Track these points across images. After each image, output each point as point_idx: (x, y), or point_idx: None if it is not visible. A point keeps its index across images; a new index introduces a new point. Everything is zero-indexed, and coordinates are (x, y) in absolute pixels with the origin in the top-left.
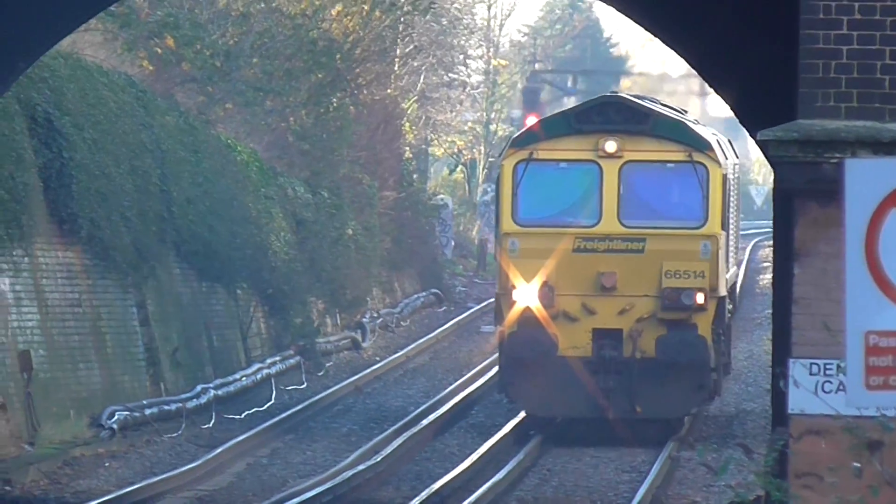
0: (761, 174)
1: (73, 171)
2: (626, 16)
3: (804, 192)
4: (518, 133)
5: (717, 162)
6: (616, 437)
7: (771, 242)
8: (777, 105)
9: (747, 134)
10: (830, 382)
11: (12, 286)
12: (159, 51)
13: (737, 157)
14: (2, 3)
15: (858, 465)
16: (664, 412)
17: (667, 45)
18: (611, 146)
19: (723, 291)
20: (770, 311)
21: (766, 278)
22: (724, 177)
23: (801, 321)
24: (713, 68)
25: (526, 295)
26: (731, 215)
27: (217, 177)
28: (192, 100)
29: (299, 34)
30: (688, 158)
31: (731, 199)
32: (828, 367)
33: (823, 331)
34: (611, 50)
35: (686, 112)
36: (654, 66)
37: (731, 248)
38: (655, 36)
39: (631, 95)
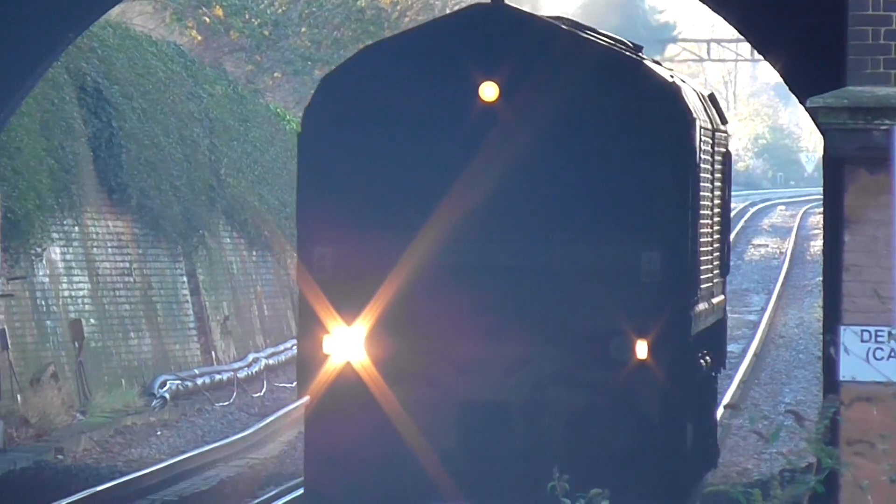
0: (812, 141)
1: (122, 141)
2: None
3: (854, 159)
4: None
5: (678, 119)
6: None
7: (821, 210)
8: (826, 71)
9: (797, 101)
10: (882, 349)
11: (63, 256)
12: (207, 20)
13: (723, 120)
14: None
15: None
16: None
17: (712, 9)
18: (489, 91)
19: (677, 336)
20: (820, 278)
21: (817, 245)
22: (690, 143)
23: (851, 288)
24: (761, 33)
25: (343, 343)
26: (709, 205)
27: (266, 146)
28: (241, 69)
29: (347, 3)
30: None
31: (710, 180)
32: (879, 334)
33: (874, 298)
34: (657, 17)
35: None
36: (702, 32)
37: (711, 259)
38: (702, 1)
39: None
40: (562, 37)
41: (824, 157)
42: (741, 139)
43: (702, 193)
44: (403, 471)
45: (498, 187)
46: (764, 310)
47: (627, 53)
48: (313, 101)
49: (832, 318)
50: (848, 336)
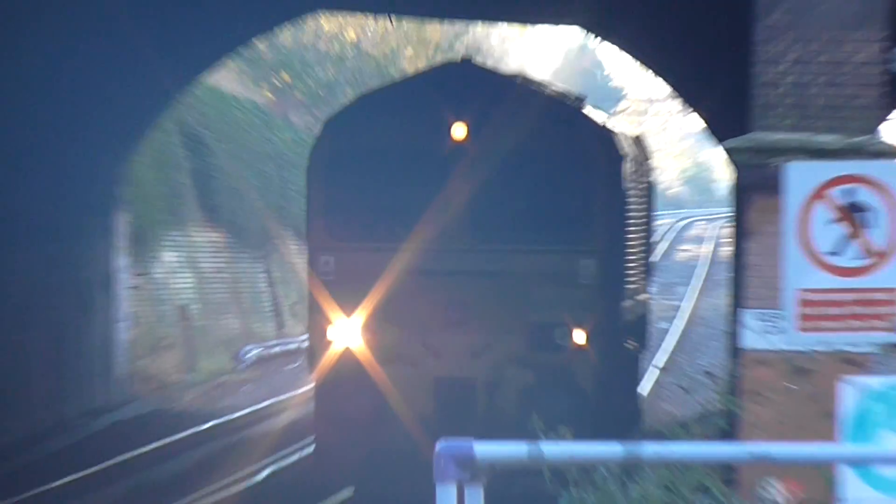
0: (723, 173)
1: (214, 173)
2: (626, 51)
3: (755, 187)
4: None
5: (605, 155)
6: None
7: (730, 224)
8: (736, 122)
9: (713, 144)
10: (774, 326)
11: (173, 258)
12: (277, 83)
13: (647, 157)
14: (162, 51)
15: (792, 386)
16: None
17: (655, 74)
18: (459, 131)
19: (607, 326)
20: (728, 274)
21: (726, 251)
22: (614, 173)
23: (752, 282)
24: (690, 94)
25: (343, 332)
26: (635, 222)
27: None
28: (302, 119)
29: (382, 72)
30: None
31: (635, 203)
32: (771, 316)
33: (768, 289)
34: (610, 84)
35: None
36: (642, 93)
37: (637, 265)
38: (646, 67)
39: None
40: (517, 88)
41: (734, 185)
42: (673, 171)
43: (629, 213)
44: (391, 431)
45: (467, 208)
46: (686, 297)
47: (569, 103)
48: (318, 139)
49: (737, 304)
50: (748, 317)
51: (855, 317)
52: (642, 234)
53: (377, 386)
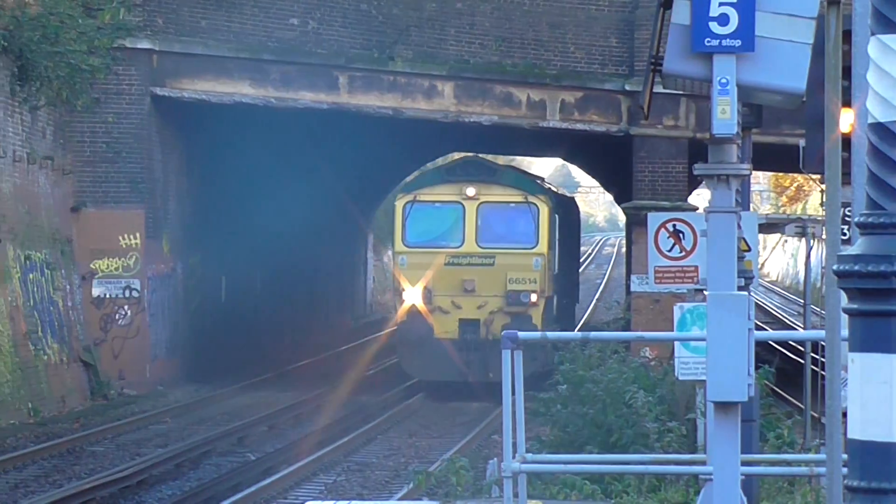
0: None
1: None
2: (579, 167)
3: (635, 223)
4: (405, 182)
5: (545, 202)
6: (475, 394)
7: (625, 238)
8: (627, 196)
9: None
10: (644, 282)
11: (389, 254)
12: None
13: (573, 205)
14: (397, 157)
15: (651, 307)
16: None
17: (593, 176)
18: (471, 191)
19: (550, 293)
20: (625, 259)
21: (624, 250)
22: (551, 212)
23: (634, 263)
24: (608, 182)
25: (412, 295)
26: (558, 238)
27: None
28: None
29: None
30: (524, 200)
31: (560, 227)
32: (643, 277)
33: (641, 266)
34: (574, 179)
35: (541, 178)
36: (588, 183)
37: (562, 261)
38: (590, 173)
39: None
40: (504, 170)
41: (627, 222)
42: (601, 215)
43: (559, 234)
44: (436, 349)
45: (477, 233)
46: (607, 270)
47: (536, 178)
48: (400, 195)
49: (628, 272)
50: (633, 278)
51: (678, 277)
52: (570, 244)
53: (428, 324)
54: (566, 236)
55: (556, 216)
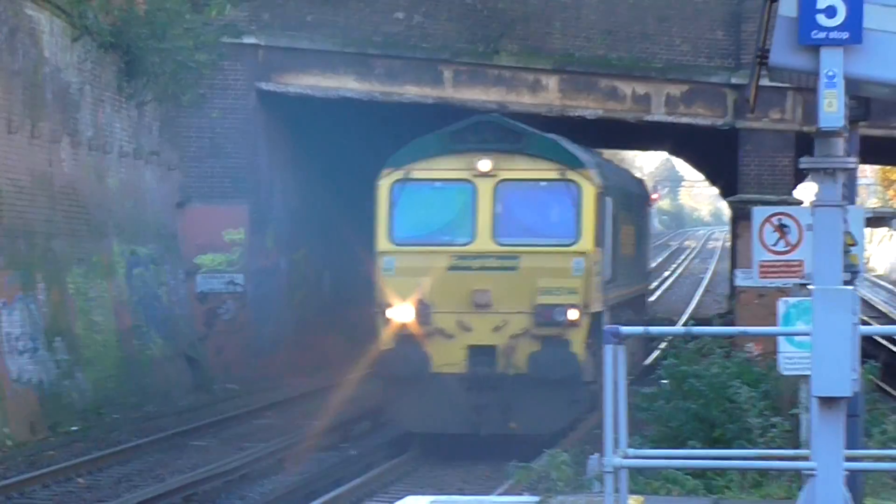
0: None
1: None
2: (684, 160)
3: (740, 217)
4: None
5: (591, 180)
6: (490, 451)
7: (730, 233)
8: (732, 190)
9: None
10: (749, 276)
11: None
12: None
13: (638, 186)
14: None
15: (756, 301)
16: (537, 428)
17: (699, 169)
18: (484, 165)
19: (598, 307)
20: (730, 254)
21: (728, 244)
22: (600, 195)
23: (739, 257)
24: (713, 176)
25: (402, 313)
26: (612, 232)
27: None
28: None
29: None
30: (560, 176)
31: (615, 217)
32: (748, 271)
33: (746, 260)
34: (678, 172)
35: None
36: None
37: (619, 264)
38: (695, 166)
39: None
40: (532, 135)
41: (731, 216)
42: (705, 209)
43: (616, 224)
44: (435, 388)
45: (494, 224)
46: (711, 264)
47: (580, 148)
48: (387, 171)
49: (733, 266)
50: (738, 272)
51: (783, 271)
52: (637, 239)
53: (423, 352)
54: (628, 227)
55: (609, 200)
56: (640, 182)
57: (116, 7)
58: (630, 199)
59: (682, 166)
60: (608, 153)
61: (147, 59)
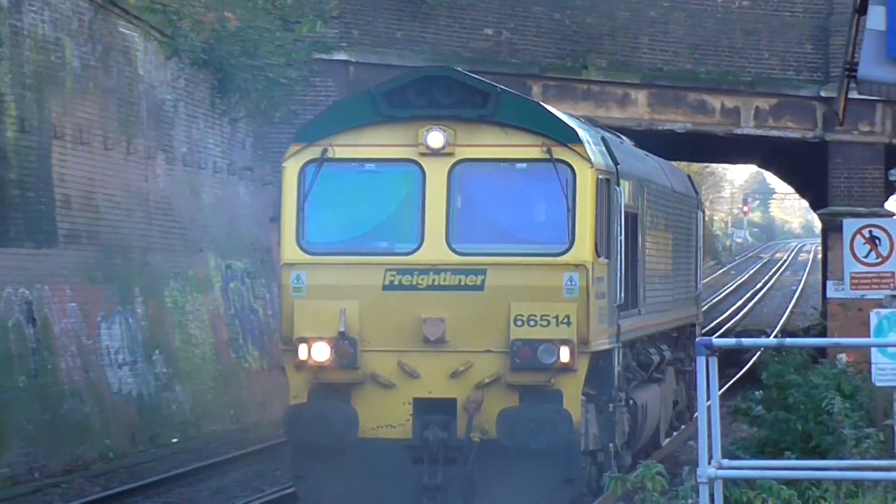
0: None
1: None
2: (774, 173)
3: (831, 229)
4: (306, 123)
5: (589, 160)
6: None
7: (821, 245)
8: (823, 202)
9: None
10: (840, 287)
11: None
12: None
13: (687, 183)
14: None
15: (848, 312)
16: None
17: (788, 182)
18: (436, 139)
19: (602, 343)
20: (820, 265)
21: (819, 256)
22: (605, 182)
23: (830, 269)
24: (803, 189)
25: (317, 351)
26: (629, 236)
27: None
28: None
29: None
30: (545, 155)
31: (637, 217)
32: (839, 283)
33: (837, 272)
34: (769, 185)
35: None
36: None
37: (645, 284)
38: (785, 179)
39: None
40: (505, 94)
41: (822, 228)
42: (796, 222)
43: (645, 237)
44: (366, 462)
45: (450, 225)
46: (803, 276)
47: (572, 116)
48: (295, 148)
49: (824, 278)
50: (829, 283)
51: (874, 283)
52: (669, 259)
53: (349, 409)
54: (661, 234)
55: (619, 190)
56: (683, 176)
57: (209, 25)
58: (664, 196)
59: (773, 179)
60: (696, 166)
61: (239, 76)
